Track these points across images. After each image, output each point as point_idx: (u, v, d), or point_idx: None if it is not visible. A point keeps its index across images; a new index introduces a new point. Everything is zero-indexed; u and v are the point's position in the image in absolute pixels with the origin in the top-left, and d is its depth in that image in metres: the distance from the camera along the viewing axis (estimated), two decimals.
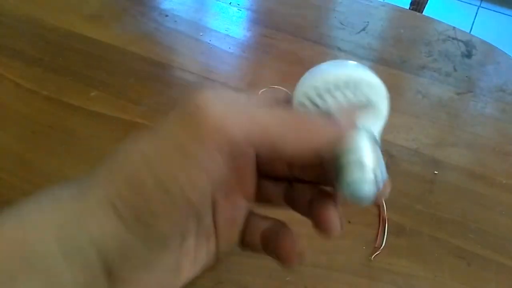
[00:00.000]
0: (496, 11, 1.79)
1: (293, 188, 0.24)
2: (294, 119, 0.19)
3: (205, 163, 0.17)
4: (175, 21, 0.62)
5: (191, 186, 0.18)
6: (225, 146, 0.17)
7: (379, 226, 0.43)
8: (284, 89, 0.53)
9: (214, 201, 0.22)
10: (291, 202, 0.25)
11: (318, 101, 0.22)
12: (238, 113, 0.18)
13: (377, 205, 0.44)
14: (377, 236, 0.42)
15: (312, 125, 0.19)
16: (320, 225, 0.22)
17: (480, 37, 0.63)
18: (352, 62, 0.24)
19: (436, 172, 0.48)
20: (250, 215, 0.24)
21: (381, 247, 0.41)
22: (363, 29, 0.63)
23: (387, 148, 0.49)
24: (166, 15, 0.62)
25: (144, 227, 0.18)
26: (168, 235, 0.19)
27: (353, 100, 0.22)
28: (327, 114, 0.22)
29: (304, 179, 0.24)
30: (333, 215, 0.22)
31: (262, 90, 0.52)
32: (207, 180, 0.18)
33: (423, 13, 0.94)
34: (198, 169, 0.17)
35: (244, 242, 0.24)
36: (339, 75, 0.22)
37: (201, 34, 0.60)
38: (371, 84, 0.23)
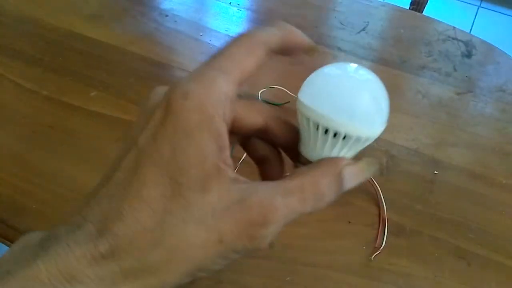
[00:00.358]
0: (496, 11, 1.79)
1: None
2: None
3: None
4: (175, 21, 0.62)
5: None
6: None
7: (379, 226, 0.43)
8: (284, 89, 0.53)
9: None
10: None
11: (319, 128, 0.22)
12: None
13: (377, 205, 0.44)
14: (377, 236, 0.42)
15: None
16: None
17: (480, 37, 0.63)
18: (364, 76, 0.22)
19: (436, 172, 0.48)
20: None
21: (381, 247, 0.41)
22: (363, 29, 0.63)
23: (387, 148, 0.49)
24: (166, 15, 0.62)
25: None
26: None
27: (352, 149, 0.22)
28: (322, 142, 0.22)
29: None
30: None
31: (262, 90, 0.52)
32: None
33: (423, 13, 0.94)
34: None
35: (239, 125, 0.23)
36: (348, 124, 0.21)
37: (201, 34, 0.60)
38: (375, 137, 0.22)
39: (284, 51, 0.22)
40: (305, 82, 0.23)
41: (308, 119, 0.22)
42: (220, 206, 0.17)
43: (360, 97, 0.21)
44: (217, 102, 0.18)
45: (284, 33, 0.22)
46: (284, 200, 0.18)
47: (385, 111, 0.22)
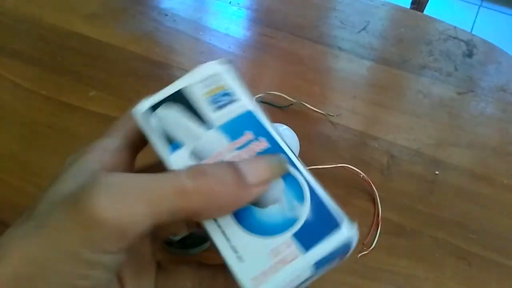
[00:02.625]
0: (497, 11, 1.79)
1: None
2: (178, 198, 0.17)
3: (106, 267, 0.17)
4: (175, 20, 0.61)
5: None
6: (121, 243, 0.16)
7: (371, 225, 0.43)
8: (283, 94, 0.53)
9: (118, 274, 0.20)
10: None
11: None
12: (134, 202, 0.16)
13: (374, 204, 0.44)
14: (368, 235, 0.42)
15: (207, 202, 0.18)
16: None
17: (481, 37, 0.63)
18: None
19: (437, 172, 0.48)
20: (165, 259, 0.23)
21: (370, 248, 0.41)
22: (364, 29, 0.63)
23: (388, 148, 0.49)
24: (166, 14, 0.62)
25: None
26: None
27: None
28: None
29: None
30: None
31: (258, 95, 0.52)
32: (107, 276, 0.17)
33: (424, 13, 0.94)
34: (99, 273, 0.17)
35: None
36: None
37: (200, 33, 0.60)
38: None
39: None
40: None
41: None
42: (58, 206, 0.17)
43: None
44: (92, 149, 0.21)
45: None
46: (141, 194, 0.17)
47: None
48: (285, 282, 0.18)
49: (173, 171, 0.18)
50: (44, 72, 0.53)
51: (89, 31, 0.59)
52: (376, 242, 0.42)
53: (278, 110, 0.51)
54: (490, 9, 1.80)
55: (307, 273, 0.18)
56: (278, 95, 0.51)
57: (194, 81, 0.23)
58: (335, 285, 0.39)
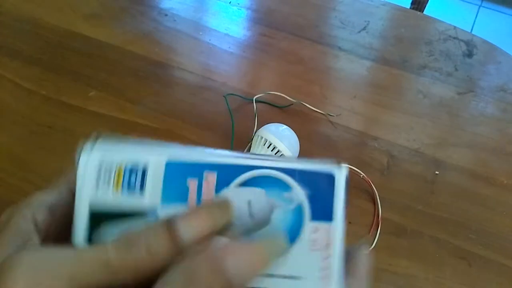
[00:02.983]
0: (497, 11, 1.79)
1: None
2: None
3: None
4: (175, 20, 0.61)
5: None
6: None
7: (371, 225, 0.43)
8: (282, 94, 0.53)
9: None
10: None
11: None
12: (55, 280, 0.16)
13: (374, 204, 0.44)
14: (368, 235, 0.42)
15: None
16: None
17: (481, 37, 0.63)
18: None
19: (437, 172, 0.48)
20: None
21: (371, 247, 0.41)
22: (364, 29, 0.63)
23: (388, 148, 0.49)
24: (166, 14, 0.62)
25: None
26: None
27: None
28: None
29: None
30: None
31: (257, 96, 0.52)
32: None
33: (424, 13, 0.94)
34: None
35: None
36: None
37: (200, 33, 0.60)
38: None
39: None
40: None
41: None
42: None
43: None
44: (25, 208, 0.20)
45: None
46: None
47: None
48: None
49: (102, 242, 0.17)
50: (44, 72, 0.53)
51: (89, 31, 0.59)
52: (376, 242, 0.42)
53: (278, 110, 0.51)
54: (490, 9, 1.80)
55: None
56: (278, 95, 0.51)
57: (88, 185, 0.19)
58: None
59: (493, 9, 1.80)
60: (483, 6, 1.80)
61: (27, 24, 0.59)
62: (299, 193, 0.19)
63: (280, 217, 0.19)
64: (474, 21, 1.73)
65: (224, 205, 0.19)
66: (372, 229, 0.42)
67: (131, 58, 0.56)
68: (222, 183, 0.19)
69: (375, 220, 0.43)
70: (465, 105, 0.55)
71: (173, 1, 0.64)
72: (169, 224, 0.17)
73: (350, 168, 0.46)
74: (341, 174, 0.19)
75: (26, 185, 0.43)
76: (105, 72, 0.54)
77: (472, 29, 1.68)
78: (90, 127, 0.48)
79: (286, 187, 0.19)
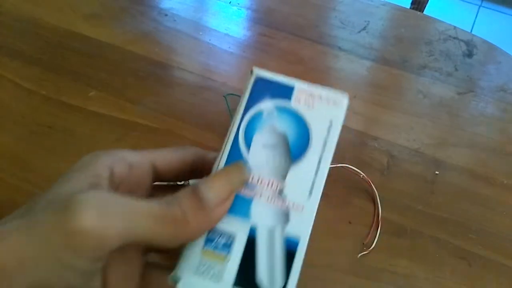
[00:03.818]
0: (497, 11, 1.79)
1: None
2: (162, 219, 0.19)
3: (84, 272, 0.18)
4: (175, 20, 0.61)
5: None
6: (99, 252, 0.18)
7: (371, 224, 0.43)
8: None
9: (104, 266, 0.22)
10: None
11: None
12: (113, 221, 0.18)
13: (374, 204, 0.44)
14: (368, 234, 0.42)
15: (179, 223, 0.20)
16: None
17: (481, 37, 0.63)
18: None
19: (437, 172, 0.48)
20: (150, 267, 0.24)
21: (371, 248, 0.41)
22: (364, 29, 0.63)
23: (388, 148, 0.49)
24: (166, 14, 0.62)
25: None
26: None
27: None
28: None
29: None
30: None
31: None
32: (83, 281, 0.19)
33: (424, 13, 0.94)
34: (77, 276, 0.18)
35: None
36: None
37: (200, 33, 0.60)
38: None
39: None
40: None
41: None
42: (49, 210, 0.18)
43: None
44: (107, 156, 0.22)
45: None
46: (121, 221, 0.19)
47: None
48: None
49: (151, 199, 0.20)
50: (44, 72, 0.53)
51: (89, 31, 0.59)
52: (376, 242, 0.42)
53: None
54: (490, 9, 1.80)
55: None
56: None
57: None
58: (335, 285, 0.39)
59: (493, 9, 1.80)
60: (483, 6, 1.80)
61: (27, 24, 0.59)
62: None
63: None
64: (474, 21, 1.73)
65: (240, 167, 0.22)
66: (372, 229, 0.42)
67: (131, 58, 0.56)
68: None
69: (375, 220, 0.43)
70: (465, 105, 0.55)
71: (173, 1, 0.64)
72: (194, 188, 0.20)
73: (350, 168, 0.46)
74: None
75: (26, 185, 0.43)
76: (105, 72, 0.54)
77: (472, 29, 1.69)
78: (90, 127, 0.48)
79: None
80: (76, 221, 0.17)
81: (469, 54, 0.60)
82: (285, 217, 0.22)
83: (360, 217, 0.43)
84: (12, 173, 0.44)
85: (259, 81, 0.24)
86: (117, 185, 0.23)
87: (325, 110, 0.23)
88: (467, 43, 0.62)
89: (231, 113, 0.50)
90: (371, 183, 0.45)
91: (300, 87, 0.24)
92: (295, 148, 0.23)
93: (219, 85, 0.53)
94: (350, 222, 0.43)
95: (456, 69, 0.58)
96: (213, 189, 0.20)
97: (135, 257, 0.24)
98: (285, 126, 0.23)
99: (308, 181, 0.22)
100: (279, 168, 0.22)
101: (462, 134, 0.51)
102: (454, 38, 0.62)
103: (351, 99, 0.53)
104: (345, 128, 0.49)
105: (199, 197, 0.20)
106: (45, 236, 0.18)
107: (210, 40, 0.59)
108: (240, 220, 0.21)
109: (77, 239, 0.17)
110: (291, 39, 0.60)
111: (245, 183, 0.22)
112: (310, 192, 0.22)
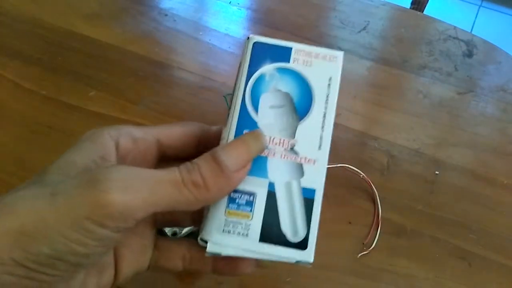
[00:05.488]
0: (497, 11, 1.79)
1: None
2: (181, 191, 0.20)
3: (104, 241, 0.19)
4: (175, 20, 0.61)
5: (86, 258, 0.19)
6: (121, 224, 0.19)
7: (371, 224, 0.43)
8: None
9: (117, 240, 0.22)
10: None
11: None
12: (139, 192, 0.19)
13: (374, 204, 0.44)
14: (368, 234, 0.42)
15: (200, 190, 0.20)
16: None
17: (481, 37, 0.63)
18: None
19: (437, 172, 0.48)
20: (160, 240, 0.25)
21: (371, 248, 0.41)
22: (364, 29, 0.63)
23: (388, 148, 0.49)
24: (166, 14, 0.62)
25: (29, 280, 0.18)
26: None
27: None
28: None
29: None
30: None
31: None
32: (102, 250, 0.20)
33: (424, 13, 0.94)
34: (96, 245, 0.19)
35: (160, 265, 0.25)
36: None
37: (200, 33, 0.60)
38: None
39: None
40: None
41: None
42: (72, 181, 0.19)
43: None
44: (113, 130, 0.23)
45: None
46: (149, 186, 0.19)
47: None
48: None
49: (171, 168, 0.21)
50: (44, 72, 0.53)
51: (89, 31, 0.59)
52: (376, 242, 0.42)
53: None
54: (490, 9, 1.80)
55: None
56: None
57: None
58: (335, 285, 0.39)
59: (493, 9, 1.80)
60: (483, 6, 1.80)
61: (27, 24, 0.59)
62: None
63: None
64: (474, 21, 1.73)
65: (258, 135, 0.23)
66: (372, 229, 0.42)
67: (131, 58, 0.56)
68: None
69: (375, 220, 0.43)
70: (465, 105, 0.55)
71: (173, 1, 0.64)
72: (213, 155, 0.21)
73: (350, 168, 0.46)
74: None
75: None
76: (105, 72, 0.54)
77: (472, 29, 1.68)
78: (90, 127, 0.48)
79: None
80: (104, 194, 0.18)
81: (469, 54, 0.60)
82: (300, 171, 0.23)
83: (360, 217, 0.43)
84: (12, 173, 0.44)
85: (257, 46, 0.25)
86: (123, 157, 0.23)
87: (323, 67, 0.25)
88: (467, 43, 0.62)
89: None
90: (371, 183, 0.45)
91: (297, 47, 0.25)
92: (300, 106, 0.24)
93: (219, 85, 0.53)
94: (350, 222, 0.43)
95: (456, 69, 0.58)
96: (232, 157, 0.21)
97: (147, 229, 0.24)
98: (288, 86, 0.24)
99: (316, 135, 0.23)
100: (288, 126, 0.23)
101: (462, 134, 0.51)
102: (454, 38, 0.62)
103: (351, 99, 0.54)
104: (345, 128, 0.49)
105: (219, 163, 0.21)
106: (71, 205, 0.18)
107: (210, 40, 0.59)
108: (259, 179, 0.23)
109: (105, 210, 0.18)
110: (291, 39, 0.60)
111: (262, 150, 0.23)
112: (320, 146, 0.23)
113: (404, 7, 0.69)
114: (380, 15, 0.65)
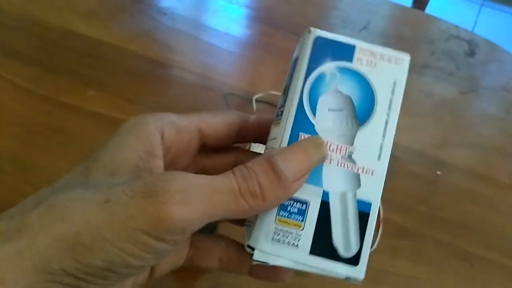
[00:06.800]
0: (499, 10, 1.78)
1: None
2: (237, 201, 0.19)
3: (159, 254, 0.19)
4: (174, 19, 0.61)
5: (140, 269, 0.19)
6: (178, 237, 0.18)
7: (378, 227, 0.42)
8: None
9: None
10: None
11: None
12: (196, 204, 0.18)
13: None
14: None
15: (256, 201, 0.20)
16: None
17: (483, 36, 0.62)
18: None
19: (439, 172, 0.47)
20: (197, 238, 0.24)
21: (372, 248, 0.41)
22: (365, 28, 0.62)
23: None
24: (165, 13, 0.62)
25: None
26: None
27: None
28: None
29: None
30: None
31: (259, 95, 0.52)
32: (156, 261, 0.19)
33: (426, 12, 0.93)
34: (151, 258, 0.18)
35: (194, 264, 0.24)
36: None
37: (200, 32, 0.60)
38: None
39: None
40: None
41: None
42: (126, 189, 0.18)
43: None
44: (156, 120, 0.22)
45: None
46: (199, 195, 0.18)
47: None
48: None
49: (224, 174, 0.20)
50: (42, 72, 0.53)
51: (87, 30, 0.58)
52: (378, 243, 0.41)
53: None
54: (492, 8, 1.79)
55: None
56: (278, 94, 0.51)
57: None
58: (336, 286, 0.39)
59: (495, 8, 1.79)
60: (485, 5, 1.80)
61: (24, 23, 0.59)
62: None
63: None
64: (476, 20, 1.73)
65: (319, 143, 0.21)
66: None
67: (129, 57, 0.56)
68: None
69: (376, 221, 0.43)
70: (467, 105, 0.54)
71: (172, 0, 0.64)
72: (270, 161, 0.20)
73: None
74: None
75: (24, 185, 0.43)
76: (103, 71, 0.54)
77: (474, 28, 1.68)
78: (88, 127, 0.48)
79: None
80: (164, 207, 0.17)
81: (471, 54, 0.60)
82: (357, 181, 0.21)
83: None
84: (9, 173, 0.44)
85: (319, 42, 0.22)
86: (168, 149, 0.22)
87: (388, 70, 0.22)
88: (469, 42, 0.61)
89: None
90: None
91: (361, 46, 0.22)
92: (360, 111, 0.22)
93: (219, 85, 0.53)
94: None
95: (458, 69, 0.58)
96: (291, 166, 0.20)
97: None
98: (350, 88, 0.22)
99: (376, 144, 0.22)
100: (347, 132, 0.22)
101: (464, 134, 0.51)
102: (456, 37, 0.62)
103: None
104: None
105: (278, 172, 0.19)
106: (128, 217, 0.17)
107: (209, 39, 0.59)
108: (313, 187, 0.21)
109: (164, 225, 0.17)
110: (291, 38, 0.60)
111: (323, 160, 0.21)
112: (379, 156, 0.22)
113: (406, 6, 0.69)
114: (381, 14, 0.64)
